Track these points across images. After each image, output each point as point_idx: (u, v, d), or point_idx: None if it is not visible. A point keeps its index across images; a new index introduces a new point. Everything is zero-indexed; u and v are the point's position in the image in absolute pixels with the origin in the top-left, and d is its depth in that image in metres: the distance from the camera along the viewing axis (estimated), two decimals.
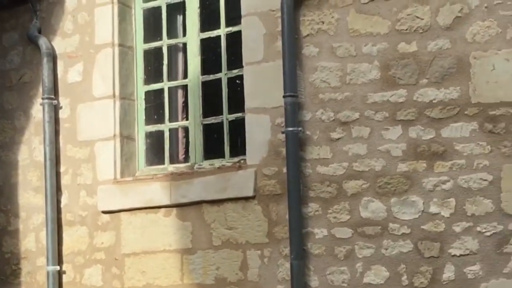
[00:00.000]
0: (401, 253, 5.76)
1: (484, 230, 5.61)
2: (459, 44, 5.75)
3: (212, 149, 6.70)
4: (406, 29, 5.85)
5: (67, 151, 7.08)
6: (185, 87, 6.87)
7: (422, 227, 5.73)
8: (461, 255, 5.64)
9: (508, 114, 5.63)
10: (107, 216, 6.83)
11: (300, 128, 5.99)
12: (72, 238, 7.00)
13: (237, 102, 6.47)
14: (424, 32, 5.82)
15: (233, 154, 6.56)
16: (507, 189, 5.59)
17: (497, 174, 5.62)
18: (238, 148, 6.53)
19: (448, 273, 5.65)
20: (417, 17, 5.80)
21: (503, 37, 5.68)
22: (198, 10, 6.75)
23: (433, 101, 5.77)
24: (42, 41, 7.08)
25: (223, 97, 6.58)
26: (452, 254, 5.65)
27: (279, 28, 6.11)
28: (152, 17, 7.05)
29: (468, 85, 5.72)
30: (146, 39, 7.02)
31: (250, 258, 6.22)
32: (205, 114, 6.68)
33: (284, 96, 6.01)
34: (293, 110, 6.00)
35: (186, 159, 6.86)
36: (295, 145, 5.99)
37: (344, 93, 5.96)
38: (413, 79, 5.83)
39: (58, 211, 7.03)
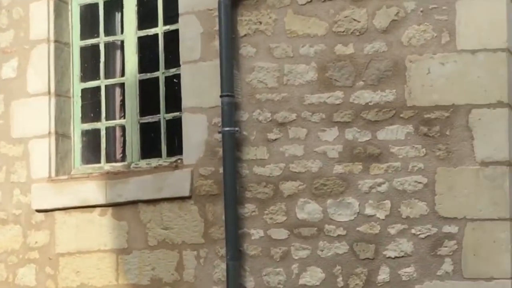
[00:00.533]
0: (337, 255, 5.77)
1: (418, 233, 5.65)
2: (395, 47, 5.78)
3: (149, 148, 6.64)
4: (343, 31, 5.85)
5: (0, 148, 6.95)
6: (122, 85, 6.79)
7: (357, 228, 5.75)
8: (396, 257, 5.67)
9: (442, 118, 5.68)
10: (41, 215, 6.73)
11: (237, 128, 5.96)
12: (5, 237, 6.88)
13: (174, 101, 6.42)
14: (361, 34, 5.83)
15: (170, 153, 6.50)
16: (441, 192, 5.64)
17: (432, 177, 5.66)
18: (176, 147, 6.47)
19: (383, 275, 5.68)
20: (354, 19, 5.81)
21: (438, 41, 5.72)
22: (136, 8, 6.67)
23: (369, 104, 5.79)
24: None
25: (160, 96, 6.51)
26: (387, 256, 5.69)
27: (217, 28, 6.06)
28: (89, 14, 6.95)
29: (403, 88, 5.75)
30: (83, 36, 6.92)
31: (186, 259, 6.18)
32: (143, 113, 6.61)
33: (221, 96, 5.97)
34: (230, 110, 5.97)
35: (123, 158, 6.79)
36: (231, 145, 5.96)
37: (281, 93, 5.95)
38: (349, 81, 5.83)
39: None
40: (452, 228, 5.61)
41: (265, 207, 5.95)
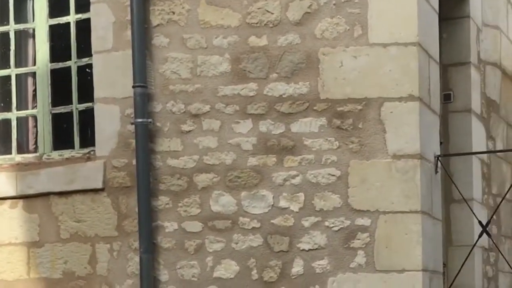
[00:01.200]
0: (251, 248, 5.76)
1: (332, 225, 5.67)
2: (309, 40, 5.76)
3: (62, 139, 6.48)
4: (257, 23, 5.80)
5: None
6: (34, 75, 6.62)
7: (272, 221, 5.75)
8: (309, 249, 5.69)
9: (355, 111, 5.69)
10: None
11: (150, 120, 5.88)
12: None
13: (87, 91, 6.28)
14: (274, 26, 5.79)
15: (84, 144, 6.37)
16: (354, 184, 5.67)
17: (345, 169, 5.69)
18: (89, 138, 6.34)
19: (297, 267, 5.70)
20: (268, 11, 5.76)
21: (350, 34, 5.72)
22: None
23: (283, 96, 5.77)
24: None
25: (72, 86, 6.37)
26: (301, 248, 5.70)
27: (129, 17, 5.95)
28: None
29: (317, 80, 5.74)
30: None
31: (99, 252, 6.10)
32: (55, 103, 6.45)
33: (133, 87, 5.87)
34: (143, 101, 5.87)
35: (35, 149, 6.62)
36: (144, 137, 5.88)
37: (195, 85, 5.88)
38: (263, 73, 5.80)
39: None
40: (364, 221, 5.65)
41: (179, 200, 5.89)
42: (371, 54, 5.71)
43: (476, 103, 7.41)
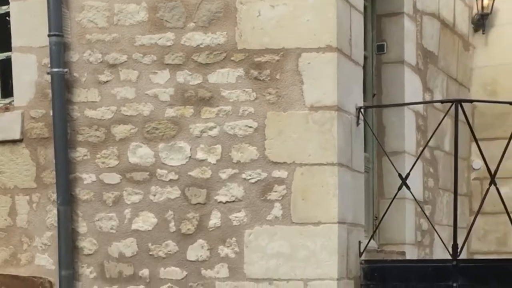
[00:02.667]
0: (169, 200, 5.71)
1: (249, 177, 5.62)
2: None
3: None
4: None
5: None
6: None
7: (189, 173, 5.68)
8: (227, 201, 5.64)
9: (273, 61, 5.60)
10: None
11: (66, 70, 5.76)
12: None
13: (7, 40, 6.15)
14: None
15: (5, 95, 6.27)
16: (271, 136, 5.60)
17: (262, 121, 5.61)
18: (10, 89, 6.24)
19: (215, 219, 5.65)
20: None
21: None
22: None
23: (200, 46, 5.67)
24: None
25: None
26: (218, 200, 5.65)
27: None
28: None
29: (234, 30, 5.64)
30: None
31: (19, 204, 6.02)
32: None
33: (49, 35, 5.74)
34: (59, 50, 5.75)
35: None
36: (61, 87, 5.77)
37: (112, 34, 5.76)
38: (180, 23, 5.69)
39: None
40: (281, 173, 5.59)
41: (97, 151, 5.81)
42: (289, 4, 5.59)
43: (410, 54, 7.33)
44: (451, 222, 8.28)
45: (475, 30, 9.03)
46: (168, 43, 5.70)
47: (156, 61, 5.72)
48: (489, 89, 9.03)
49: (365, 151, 7.08)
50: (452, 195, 8.42)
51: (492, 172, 6.12)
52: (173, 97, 5.70)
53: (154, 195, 5.72)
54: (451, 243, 7.39)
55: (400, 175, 5.97)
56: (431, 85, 7.85)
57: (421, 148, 7.57)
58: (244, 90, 5.62)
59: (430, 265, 5.84)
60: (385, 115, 7.17)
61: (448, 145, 8.30)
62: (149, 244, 5.72)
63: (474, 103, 9.06)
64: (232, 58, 5.63)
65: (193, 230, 5.67)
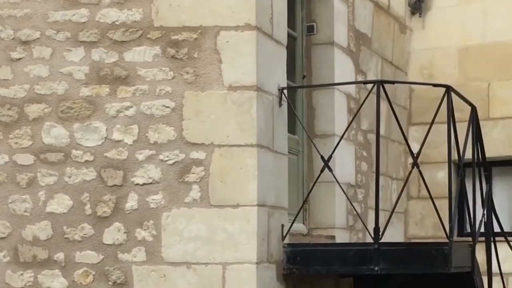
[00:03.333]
0: (85, 182, 5.53)
1: (166, 159, 5.47)
2: None
3: None
4: None
5: None
6: None
7: (105, 154, 5.52)
8: (144, 183, 5.48)
9: (190, 40, 5.45)
10: None
11: None
12: None
13: None
14: None
15: None
16: (188, 117, 5.45)
17: (179, 101, 5.46)
18: None
19: (131, 202, 5.49)
20: None
21: None
22: None
23: (116, 23, 5.50)
24: None
25: None
26: (135, 182, 5.49)
27: None
28: None
29: (151, 7, 5.48)
30: None
31: None
32: None
33: None
34: None
35: None
36: None
37: (24, 9, 5.57)
38: None
39: None
40: (199, 154, 5.45)
41: (10, 131, 5.62)
42: None
43: (341, 36, 7.21)
44: (386, 206, 8.29)
45: (412, 13, 8.94)
46: (83, 20, 5.52)
47: (70, 38, 5.54)
48: (425, 72, 8.95)
49: (294, 133, 6.98)
50: (388, 179, 8.47)
51: (415, 154, 6.01)
52: (88, 75, 5.53)
53: (69, 177, 5.55)
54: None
55: (322, 157, 5.84)
56: (364, 67, 7.75)
57: (353, 132, 7.51)
58: (161, 69, 5.47)
59: (352, 248, 5.73)
60: (314, 97, 7.05)
61: (383, 128, 8.21)
62: (64, 227, 5.54)
63: (412, 86, 9.03)
64: (148, 36, 5.47)
65: (110, 212, 5.50)
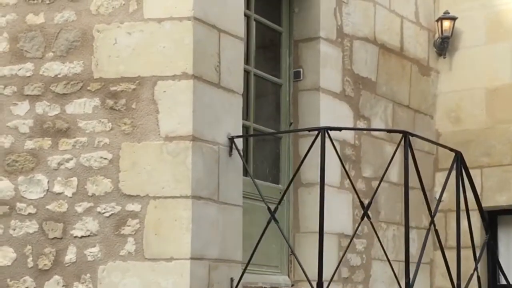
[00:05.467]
0: (28, 234, 5.54)
1: (103, 211, 5.41)
2: (84, 16, 5.51)
3: None
4: (34, 0, 5.56)
5: None
6: None
7: (47, 207, 5.51)
8: (82, 236, 5.44)
9: (129, 90, 5.40)
10: None
11: None
12: None
13: None
14: (51, 3, 5.56)
15: None
16: (125, 168, 5.39)
17: (116, 152, 5.41)
18: None
19: (70, 255, 5.45)
20: None
21: (126, 9, 5.45)
22: None
23: (58, 76, 5.52)
24: None
25: None
26: (74, 235, 5.45)
27: None
28: None
29: (91, 59, 5.48)
30: None
31: None
32: None
33: None
34: None
35: None
36: None
37: None
38: (39, 52, 5.56)
39: None
40: (135, 206, 5.36)
41: None
42: (145, 30, 5.41)
43: (332, 81, 6.99)
44: (399, 257, 7.90)
45: (439, 54, 8.57)
46: (28, 74, 5.58)
47: (16, 92, 5.60)
48: (453, 115, 8.54)
49: (278, 182, 6.80)
50: (403, 229, 8.07)
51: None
52: (32, 128, 5.56)
53: (14, 229, 5.56)
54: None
55: (269, 208, 5.61)
56: (366, 112, 7.46)
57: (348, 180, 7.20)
58: (100, 121, 5.44)
59: None
60: (301, 145, 6.84)
61: (396, 175, 7.86)
62: (8, 280, 5.55)
63: (440, 131, 8.64)
64: (88, 88, 5.46)
65: (50, 265, 5.48)
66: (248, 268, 6.34)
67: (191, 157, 5.31)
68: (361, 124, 7.37)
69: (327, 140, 5.60)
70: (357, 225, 7.28)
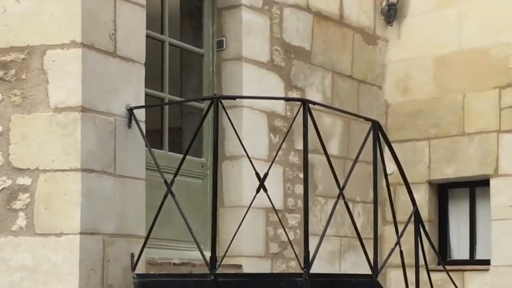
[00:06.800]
0: None
1: None
2: None
3: None
4: None
5: None
6: None
7: None
8: None
9: (18, 60, 5.22)
10: None
11: None
12: None
13: None
14: None
15: None
16: (15, 141, 5.21)
17: (7, 125, 5.23)
18: None
19: None
20: None
21: None
22: None
23: None
24: None
25: None
26: None
27: None
28: None
29: None
30: None
31: None
32: None
33: None
34: None
35: None
36: None
37: None
38: None
39: None
40: (25, 180, 5.19)
41: None
42: None
43: (258, 50, 6.77)
44: (340, 232, 7.71)
45: (387, 22, 8.31)
46: None
47: None
48: (402, 85, 8.30)
49: (201, 156, 6.61)
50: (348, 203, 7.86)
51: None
52: None
53: None
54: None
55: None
56: (300, 83, 7.23)
57: (281, 153, 7.00)
58: None
59: (192, 279, 5.27)
60: (224, 117, 6.62)
61: (336, 148, 7.65)
62: None
63: (389, 101, 8.40)
64: None
65: None
66: (164, 244, 6.20)
67: (80, 129, 5.12)
68: (293, 95, 7.15)
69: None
70: (289, 199, 7.16)
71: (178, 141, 6.66)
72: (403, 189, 8.01)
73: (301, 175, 7.23)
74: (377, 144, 5.99)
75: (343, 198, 5.74)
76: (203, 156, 6.58)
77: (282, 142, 6.39)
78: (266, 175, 5.38)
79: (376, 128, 5.95)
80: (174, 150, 6.35)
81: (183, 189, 6.20)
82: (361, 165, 7.92)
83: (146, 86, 6.00)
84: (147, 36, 5.95)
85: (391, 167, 8.34)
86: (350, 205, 7.78)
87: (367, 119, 6.05)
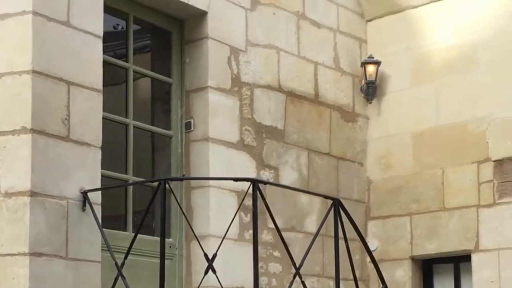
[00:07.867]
0: None
1: None
2: None
3: None
4: None
5: None
6: None
7: None
8: None
9: None
10: None
11: None
12: None
13: None
14: None
15: None
16: None
17: None
18: None
19: None
20: None
21: None
22: None
23: None
24: None
25: None
26: None
27: None
28: None
29: None
30: None
31: None
32: None
33: None
34: None
35: None
36: None
37: None
38: None
39: None
40: None
41: None
42: None
43: (227, 131, 6.84)
44: None
45: (367, 99, 8.36)
46: None
47: None
48: (383, 162, 8.29)
49: (169, 236, 6.64)
50: (327, 280, 7.82)
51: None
52: None
53: None
54: None
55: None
56: (273, 162, 7.27)
57: (251, 231, 7.00)
58: None
59: None
60: (193, 197, 6.70)
61: (313, 224, 7.63)
62: None
63: (371, 178, 8.39)
64: None
65: None
66: None
67: (29, 213, 5.20)
68: (266, 174, 7.18)
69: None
70: (262, 278, 7.12)
71: (145, 223, 6.69)
72: (386, 265, 8.05)
73: (275, 254, 7.23)
74: (338, 221, 5.98)
75: (300, 277, 5.71)
76: (171, 236, 6.61)
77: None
78: (214, 256, 5.39)
79: (337, 205, 5.96)
80: (141, 232, 6.38)
81: (150, 270, 6.21)
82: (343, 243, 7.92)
83: (112, 169, 6.11)
84: (111, 120, 6.09)
85: (374, 243, 8.35)
86: (330, 283, 7.79)
87: (326, 197, 6.06)
